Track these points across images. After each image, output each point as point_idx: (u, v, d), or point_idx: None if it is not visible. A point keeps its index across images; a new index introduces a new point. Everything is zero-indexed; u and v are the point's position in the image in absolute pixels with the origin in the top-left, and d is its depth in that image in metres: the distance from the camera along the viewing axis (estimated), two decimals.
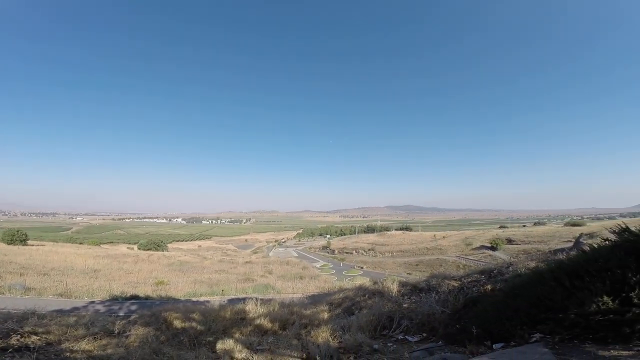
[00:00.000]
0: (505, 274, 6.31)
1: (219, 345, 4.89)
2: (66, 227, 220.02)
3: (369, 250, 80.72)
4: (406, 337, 4.33)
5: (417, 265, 59.09)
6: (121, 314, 12.73)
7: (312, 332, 5.01)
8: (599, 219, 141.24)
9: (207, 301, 14.91)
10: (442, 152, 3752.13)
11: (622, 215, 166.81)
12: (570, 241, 44.56)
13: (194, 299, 15.49)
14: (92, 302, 15.79)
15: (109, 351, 5.02)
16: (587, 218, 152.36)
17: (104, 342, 5.78)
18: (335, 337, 4.65)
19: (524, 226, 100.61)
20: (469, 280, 6.17)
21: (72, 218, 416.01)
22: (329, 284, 23.45)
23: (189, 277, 25.75)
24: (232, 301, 11.89)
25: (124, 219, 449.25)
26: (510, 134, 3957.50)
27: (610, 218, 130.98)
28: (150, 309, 9.19)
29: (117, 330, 6.03)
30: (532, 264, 6.34)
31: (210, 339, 5.43)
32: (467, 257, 57.62)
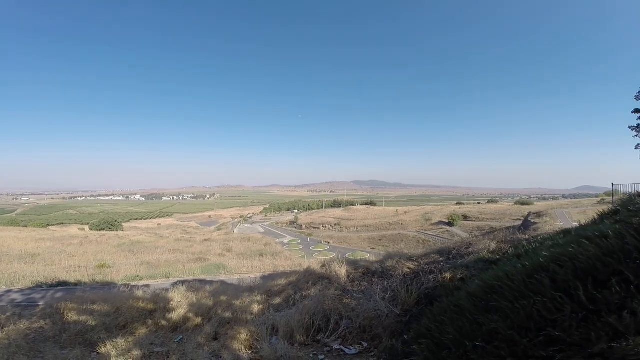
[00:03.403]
0: (464, 255, 5.64)
1: (102, 346, 3.77)
2: (10, 209, 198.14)
3: (335, 225, 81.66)
4: (342, 347, 3.32)
5: (380, 240, 60.73)
6: (41, 303, 11.08)
7: (230, 332, 3.95)
8: (544, 199, 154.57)
9: (147, 285, 13.50)
10: (405, 128, 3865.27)
11: (564, 197, 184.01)
12: (520, 219, 47.69)
13: (133, 283, 13.96)
14: (9, 291, 13.72)
15: None
16: (534, 197, 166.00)
17: None
18: (254, 342, 3.63)
19: (479, 203, 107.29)
20: (426, 261, 5.43)
21: (17, 199, 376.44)
22: (289, 262, 22.73)
23: (138, 258, 23.82)
24: (176, 284, 10.74)
25: (76, 197, 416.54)
26: (470, 118, 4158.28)
27: (554, 199, 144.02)
28: (59, 298, 7.78)
29: None
30: (493, 245, 5.70)
31: (100, 336, 4.28)
32: (427, 232, 60.13)
